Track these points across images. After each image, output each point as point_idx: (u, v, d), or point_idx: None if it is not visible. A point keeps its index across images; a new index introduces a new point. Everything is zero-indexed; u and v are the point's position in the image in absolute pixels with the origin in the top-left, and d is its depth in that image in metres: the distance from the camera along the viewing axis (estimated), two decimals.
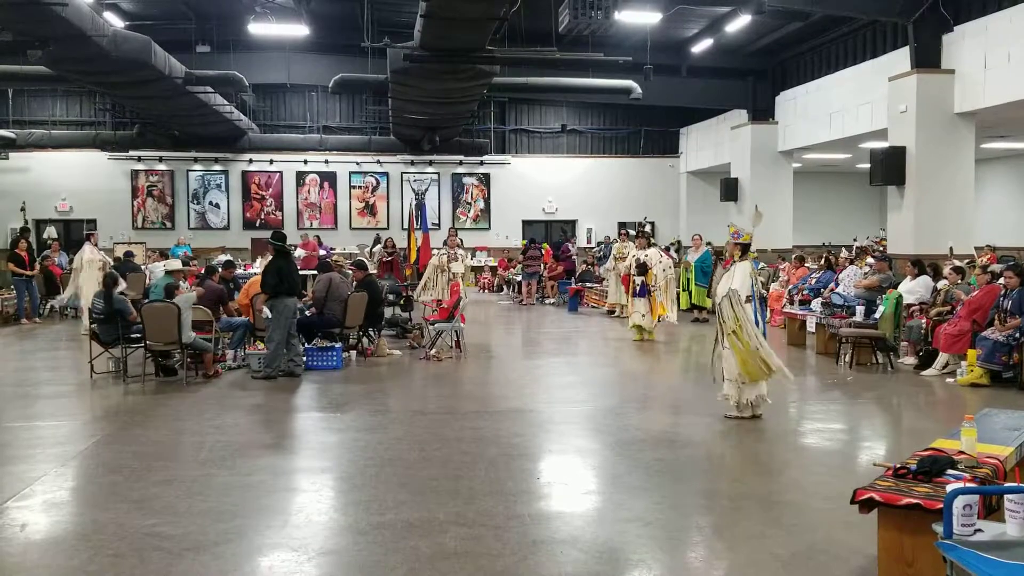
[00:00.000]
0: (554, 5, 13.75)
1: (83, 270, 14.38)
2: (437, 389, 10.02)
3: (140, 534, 5.04)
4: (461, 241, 17.33)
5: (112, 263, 15.69)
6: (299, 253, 20.33)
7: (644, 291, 13.28)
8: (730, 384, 7.95)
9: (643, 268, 13.32)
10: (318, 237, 22.77)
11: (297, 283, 10.62)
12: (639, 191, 27.13)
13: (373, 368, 11.25)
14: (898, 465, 4.41)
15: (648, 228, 25.89)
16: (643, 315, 13.27)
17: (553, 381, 10.58)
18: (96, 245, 15.35)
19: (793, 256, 17.36)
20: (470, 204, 26.69)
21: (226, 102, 20.68)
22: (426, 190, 26.28)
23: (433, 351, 11.83)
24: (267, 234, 22.28)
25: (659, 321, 13.46)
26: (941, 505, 3.55)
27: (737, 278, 7.85)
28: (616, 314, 16.53)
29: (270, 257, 11.07)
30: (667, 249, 22.69)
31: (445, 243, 14.55)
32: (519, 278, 20.89)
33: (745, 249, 8.08)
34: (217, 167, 25.44)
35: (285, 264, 10.43)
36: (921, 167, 14.81)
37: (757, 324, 7.77)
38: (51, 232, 23.50)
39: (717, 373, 8.02)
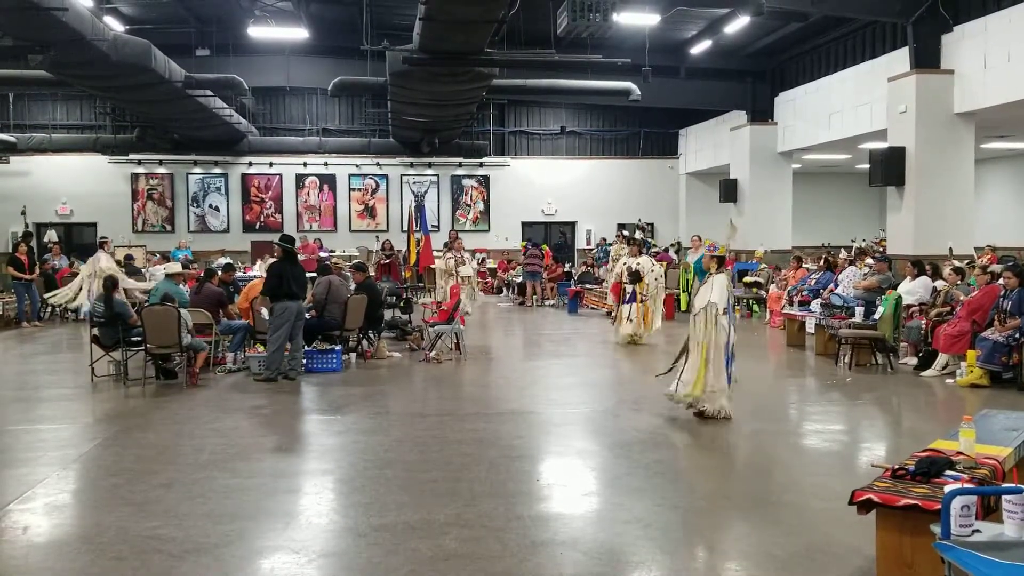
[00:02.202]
0: (553, 7, 13.78)
1: (99, 278, 14.28)
2: (437, 391, 10.03)
3: (141, 537, 5.05)
4: (462, 244, 17.36)
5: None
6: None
7: (634, 298, 13.12)
8: (682, 385, 8.00)
9: (636, 276, 13.13)
10: (319, 240, 22.80)
11: (302, 287, 10.59)
12: (638, 192, 27.14)
13: (373, 370, 11.26)
14: (896, 466, 4.43)
15: (646, 228, 25.98)
16: (632, 320, 13.16)
17: (553, 383, 10.59)
18: (109, 252, 15.37)
19: (792, 257, 17.38)
20: (469, 206, 26.69)
21: (226, 105, 20.69)
22: (425, 192, 26.29)
23: (433, 353, 11.84)
24: (267, 237, 22.62)
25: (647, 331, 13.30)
26: (939, 506, 3.56)
27: (716, 291, 7.95)
28: (614, 315, 16.50)
29: (273, 259, 11.07)
30: (666, 250, 22.75)
31: (447, 246, 14.57)
32: (519, 280, 20.89)
33: (721, 262, 8.24)
34: (217, 170, 25.44)
35: (289, 267, 10.41)
36: (921, 167, 14.82)
37: (730, 335, 7.90)
38: (51, 235, 23.50)
39: (674, 370, 8.12)
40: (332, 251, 22.42)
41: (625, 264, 13.61)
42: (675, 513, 5.58)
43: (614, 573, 4.60)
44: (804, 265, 16.78)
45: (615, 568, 4.65)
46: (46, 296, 16.91)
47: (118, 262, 17.30)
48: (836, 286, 13.28)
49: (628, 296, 13.24)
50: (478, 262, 23.80)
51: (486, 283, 23.93)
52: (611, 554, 4.82)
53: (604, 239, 24.82)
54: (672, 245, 24.84)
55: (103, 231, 24.17)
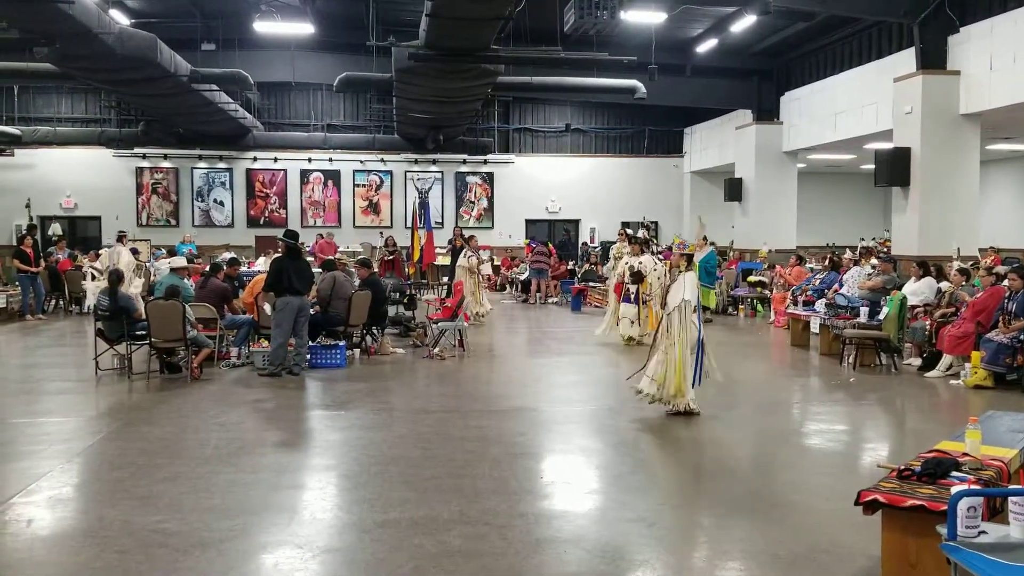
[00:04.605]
0: (559, 5, 13.73)
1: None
2: (440, 388, 10.03)
3: (146, 530, 5.06)
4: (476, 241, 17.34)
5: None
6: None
7: (637, 299, 12.91)
8: (649, 382, 8.05)
9: (639, 276, 12.71)
10: (331, 234, 22.82)
11: (306, 282, 10.59)
12: (643, 191, 27.13)
13: (377, 366, 11.27)
14: (902, 467, 4.42)
15: (651, 227, 25.93)
16: (632, 322, 12.98)
17: (556, 380, 10.59)
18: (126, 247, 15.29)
19: (791, 256, 17.36)
20: (473, 203, 26.70)
21: (231, 100, 20.69)
22: (429, 189, 26.29)
23: (436, 350, 11.84)
24: (271, 232, 22.64)
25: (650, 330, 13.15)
26: (945, 507, 3.56)
27: (688, 289, 7.99)
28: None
29: (276, 254, 11.06)
30: (669, 248, 22.70)
31: (450, 243, 14.53)
32: (523, 277, 20.88)
33: (690, 260, 8.29)
34: (222, 165, 25.48)
35: (290, 263, 10.41)
36: (926, 168, 14.79)
37: (700, 331, 7.98)
38: (56, 229, 23.54)
39: (648, 371, 8.15)
40: (335, 247, 22.42)
41: (627, 264, 13.43)
42: (678, 512, 5.59)
43: (617, 571, 4.60)
44: (808, 265, 16.75)
45: (618, 566, 4.65)
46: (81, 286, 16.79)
47: (133, 251, 17.18)
48: (841, 286, 13.26)
49: (632, 296, 13.11)
50: (487, 260, 23.82)
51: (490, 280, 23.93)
52: (614, 552, 4.82)
53: (590, 238, 24.94)
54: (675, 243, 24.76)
55: (107, 225, 24.26)
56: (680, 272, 8.18)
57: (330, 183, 25.97)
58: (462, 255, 16.33)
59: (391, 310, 13.53)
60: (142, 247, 21.19)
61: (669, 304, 8.13)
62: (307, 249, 19.46)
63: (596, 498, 5.89)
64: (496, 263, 24.58)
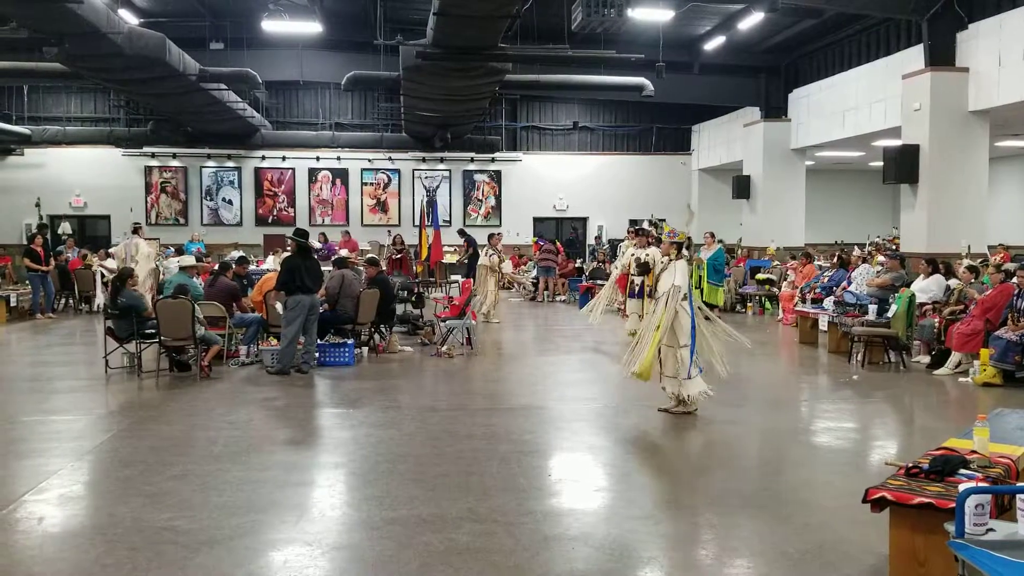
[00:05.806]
0: (567, 2, 13.76)
1: (140, 264, 14.07)
2: (449, 386, 10.06)
3: (155, 528, 5.09)
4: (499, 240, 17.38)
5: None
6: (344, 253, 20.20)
7: (642, 293, 12.74)
8: (671, 381, 8.05)
9: (645, 268, 12.36)
10: (347, 232, 22.88)
11: (317, 281, 10.64)
12: (650, 188, 27.05)
13: (385, 364, 11.29)
14: (910, 464, 4.42)
15: (658, 224, 25.87)
16: (640, 316, 12.89)
17: (564, 378, 10.60)
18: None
19: (801, 253, 17.31)
20: (481, 201, 26.70)
21: (239, 99, 20.73)
22: (437, 187, 26.30)
23: (444, 348, 11.86)
24: (279, 231, 22.68)
25: None
26: (953, 504, 3.55)
27: (679, 275, 8.01)
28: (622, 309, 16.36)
29: (286, 253, 11.10)
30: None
31: (460, 242, 14.55)
32: (532, 275, 20.89)
33: (680, 248, 8.29)
34: (230, 164, 25.53)
35: (302, 262, 10.45)
36: (934, 165, 14.73)
37: (693, 318, 7.96)
38: (65, 228, 23.63)
39: (666, 369, 8.10)
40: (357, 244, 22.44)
41: (633, 255, 13.25)
42: (686, 509, 5.59)
43: (625, 569, 4.61)
44: (818, 263, 16.70)
45: (626, 564, 4.66)
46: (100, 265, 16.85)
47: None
48: (849, 283, 13.23)
49: (636, 290, 13.01)
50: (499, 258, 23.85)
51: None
52: (622, 549, 4.83)
53: (597, 238, 24.94)
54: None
55: (117, 224, 24.33)
56: (671, 260, 8.20)
57: (338, 182, 25.99)
58: (483, 254, 16.34)
59: (399, 308, 13.56)
60: (152, 245, 21.28)
61: (659, 291, 8.15)
62: (322, 247, 19.55)
63: (604, 496, 5.90)
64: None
